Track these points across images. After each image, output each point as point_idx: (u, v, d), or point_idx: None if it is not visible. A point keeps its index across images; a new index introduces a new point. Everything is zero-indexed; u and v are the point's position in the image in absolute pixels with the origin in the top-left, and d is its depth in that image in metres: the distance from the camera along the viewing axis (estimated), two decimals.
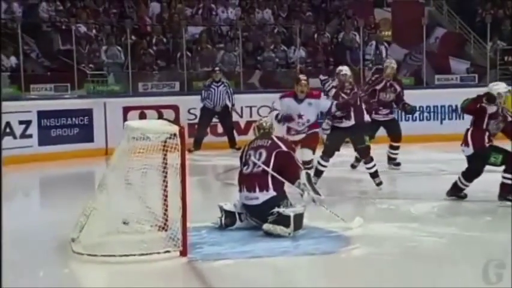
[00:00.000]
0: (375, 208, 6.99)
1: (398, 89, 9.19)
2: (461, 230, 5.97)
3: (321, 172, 7.84)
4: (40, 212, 7.73)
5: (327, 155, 7.89)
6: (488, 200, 6.99)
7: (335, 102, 7.77)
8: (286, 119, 7.68)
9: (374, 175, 7.89)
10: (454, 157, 9.97)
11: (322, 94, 8.01)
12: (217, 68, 11.91)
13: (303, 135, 7.67)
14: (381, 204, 7.17)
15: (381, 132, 9.22)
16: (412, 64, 13.42)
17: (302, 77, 7.84)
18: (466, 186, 7.04)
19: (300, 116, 7.63)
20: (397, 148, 9.28)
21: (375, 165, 7.90)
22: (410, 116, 10.63)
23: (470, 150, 6.93)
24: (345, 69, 8.39)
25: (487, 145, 6.90)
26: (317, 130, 7.87)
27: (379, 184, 7.83)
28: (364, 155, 7.99)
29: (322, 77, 8.66)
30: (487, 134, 6.90)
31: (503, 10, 15.36)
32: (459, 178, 7.05)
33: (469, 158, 6.97)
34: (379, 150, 8.91)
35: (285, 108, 7.68)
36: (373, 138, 8.99)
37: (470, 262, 5.07)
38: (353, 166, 9.16)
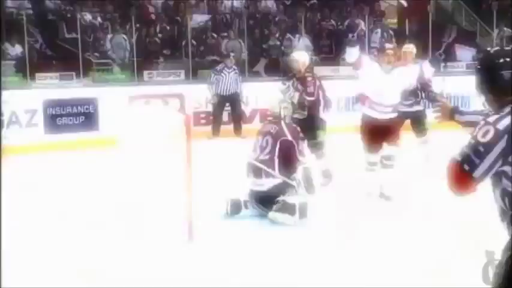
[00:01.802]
0: (375, 199, 6.93)
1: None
2: (466, 217, 5.96)
3: None
4: (45, 202, 7.74)
5: None
6: None
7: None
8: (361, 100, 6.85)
9: (324, 174, 7.26)
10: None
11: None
12: (232, 54, 11.89)
13: (388, 118, 6.73)
14: (381, 194, 7.12)
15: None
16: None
17: (389, 45, 6.86)
18: None
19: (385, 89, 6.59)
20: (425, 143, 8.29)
21: (325, 164, 7.27)
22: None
23: None
24: (297, 55, 7.42)
25: None
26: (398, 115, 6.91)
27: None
28: (315, 150, 7.23)
29: (282, 85, 7.39)
30: None
31: None
32: None
33: None
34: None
35: (366, 76, 6.60)
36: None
37: (474, 250, 5.05)
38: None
